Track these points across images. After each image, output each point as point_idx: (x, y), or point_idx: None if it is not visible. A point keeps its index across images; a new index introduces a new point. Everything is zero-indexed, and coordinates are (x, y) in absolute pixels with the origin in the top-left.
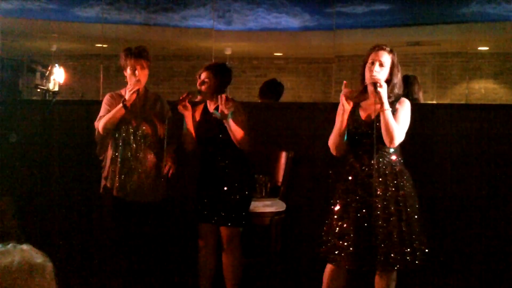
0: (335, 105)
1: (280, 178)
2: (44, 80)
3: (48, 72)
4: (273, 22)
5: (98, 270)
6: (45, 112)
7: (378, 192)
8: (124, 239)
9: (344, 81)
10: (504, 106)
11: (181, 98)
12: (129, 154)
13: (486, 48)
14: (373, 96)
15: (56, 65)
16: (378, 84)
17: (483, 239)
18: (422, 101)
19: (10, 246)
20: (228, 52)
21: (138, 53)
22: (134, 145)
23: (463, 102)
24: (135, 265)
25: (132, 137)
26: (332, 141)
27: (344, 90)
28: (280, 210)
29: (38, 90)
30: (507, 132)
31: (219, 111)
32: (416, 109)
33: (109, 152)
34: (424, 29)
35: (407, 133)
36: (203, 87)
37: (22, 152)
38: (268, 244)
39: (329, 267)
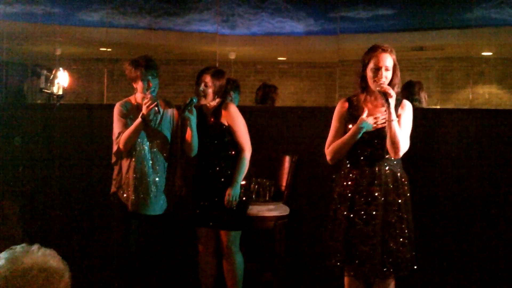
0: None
1: (284, 182)
2: (49, 84)
3: (52, 76)
4: (277, 27)
5: (101, 271)
6: (49, 116)
7: (379, 201)
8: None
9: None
10: (508, 111)
11: (186, 104)
12: (144, 166)
13: (490, 53)
14: (378, 103)
15: (61, 69)
16: (389, 94)
17: (485, 242)
18: (425, 104)
19: (35, 247)
20: (232, 56)
21: (146, 64)
22: (148, 157)
23: (467, 107)
24: (139, 266)
25: (146, 149)
26: (336, 150)
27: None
28: (284, 214)
29: (43, 93)
30: (511, 137)
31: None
32: (421, 113)
33: (124, 162)
34: (428, 34)
35: (411, 138)
36: (207, 91)
37: (26, 155)
38: (271, 248)
39: (345, 279)
